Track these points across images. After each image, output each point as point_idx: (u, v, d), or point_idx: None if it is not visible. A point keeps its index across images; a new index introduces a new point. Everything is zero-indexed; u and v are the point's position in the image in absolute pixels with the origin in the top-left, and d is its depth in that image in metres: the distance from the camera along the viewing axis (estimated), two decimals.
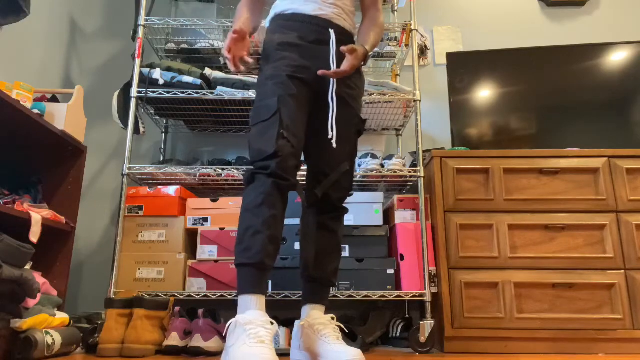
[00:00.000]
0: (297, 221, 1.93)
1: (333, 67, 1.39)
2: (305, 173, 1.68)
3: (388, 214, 2.09)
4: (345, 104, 1.44)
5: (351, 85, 1.47)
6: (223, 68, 2.32)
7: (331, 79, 1.40)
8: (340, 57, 1.44)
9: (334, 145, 1.36)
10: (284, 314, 1.95)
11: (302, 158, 1.46)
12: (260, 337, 1.09)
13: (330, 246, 1.42)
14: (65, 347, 1.47)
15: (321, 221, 1.42)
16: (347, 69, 1.33)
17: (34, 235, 1.52)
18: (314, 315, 1.34)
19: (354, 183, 2.19)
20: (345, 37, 1.48)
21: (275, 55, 1.41)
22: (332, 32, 1.43)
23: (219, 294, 1.78)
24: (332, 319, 1.35)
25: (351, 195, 1.50)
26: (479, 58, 2.22)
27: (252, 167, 1.30)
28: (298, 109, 1.34)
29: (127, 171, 1.89)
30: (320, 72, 1.32)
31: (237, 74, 2.07)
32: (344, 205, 1.46)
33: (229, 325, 1.15)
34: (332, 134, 1.37)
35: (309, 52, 1.41)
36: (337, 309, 2.16)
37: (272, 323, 1.16)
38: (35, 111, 1.67)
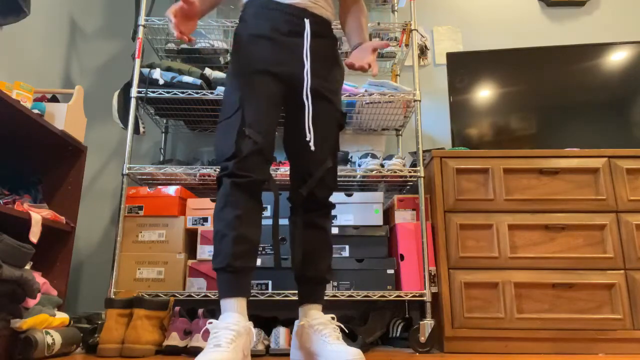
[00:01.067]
0: None
1: (306, 62, 1.33)
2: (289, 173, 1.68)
3: (388, 214, 2.09)
4: (323, 98, 1.37)
5: (329, 78, 1.40)
6: (223, 68, 2.32)
7: (305, 76, 1.33)
8: (316, 51, 1.36)
9: (312, 147, 1.32)
10: (284, 314, 1.96)
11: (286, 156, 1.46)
12: (218, 341, 1.10)
13: (320, 243, 1.39)
14: (65, 347, 1.47)
15: (308, 220, 1.38)
16: (374, 66, 1.31)
17: (34, 235, 1.52)
18: (313, 315, 1.33)
19: (354, 183, 2.20)
20: (322, 26, 1.41)
21: (245, 47, 1.35)
22: (307, 22, 1.35)
23: None
24: (332, 318, 1.33)
25: (335, 188, 1.44)
26: (479, 58, 2.22)
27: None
28: (266, 105, 1.30)
29: (127, 171, 1.89)
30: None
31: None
32: (329, 201, 1.43)
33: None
34: (310, 136, 1.31)
35: (283, 45, 1.35)
36: (337, 309, 2.16)
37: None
38: (35, 111, 1.67)
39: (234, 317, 1.14)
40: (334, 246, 1.92)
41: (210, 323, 1.14)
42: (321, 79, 1.37)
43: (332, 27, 1.47)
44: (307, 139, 1.32)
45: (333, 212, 1.98)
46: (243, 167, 1.23)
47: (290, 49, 1.35)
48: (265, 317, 1.90)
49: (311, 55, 1.35)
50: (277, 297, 1.76)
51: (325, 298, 1.75)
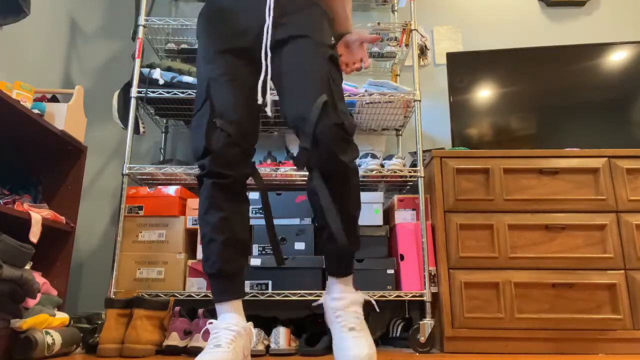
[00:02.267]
0: (296, 221, 1.93)
1: (268, 18, 1.19)
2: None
3: (388, 214, 2.09)
4: (295, 37, 1.19)
5: (293, 20, 1.21)
6: None
7: (265, 32, 1.19)
8: (281, 10, 1.21)
9: (268, 112, 1.17)
10: (284, 314, 1.96)
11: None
12: (218, 341, 1.09)
13: (339, 209, 1.14)
14: (65, 347, 1.47)
15: (324, 184, 1.13)
16: (366, 60, 1.26)
17: (34, 235, 1.52)
18: (333, 291, 1.19)
19: None
20: None
21: (205, 28, 1.26)
22: None
23: None
24: (358, 298, 1.18)
25: (350, 134, 1.12)
26: (479, 58, 2.22)
27: None
28: (237, 88, 1.18)
29: (127, 171, 1.89)
30: (356, 67, 1.25)
31: None
32: (346, 156, 1.11)
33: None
34: (263, 99, 1.17)
35: (241, 10, 1.23)
36: None
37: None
38: (35, 111, 1.67)
39: (233, 318, 1.13)
40: None
41: (211, 323, 1.14)
42: (291, 25, 1.21)
43: None
44: (259, 102, 1.18)
45: None
46: (219, 163, 1.14)
47: (248, 10, 1.23)
48: (265, 317, 1.90)
49: (277, 9, 1.21)
50: (277, 297, 1.76)
51: None
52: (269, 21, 1.19)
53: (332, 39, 1.27)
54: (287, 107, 1.15)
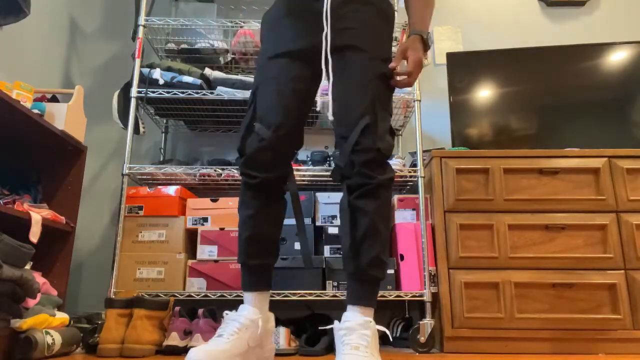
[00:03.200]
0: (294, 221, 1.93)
1: (326, 26, 1.20)
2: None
3: None
4: (353, 48, 1.19)
5: (350, 24, 1.20)
6: (223, 68, 2.32)
7: (324, 39, 1.18)
8: (341, 6, 1.21)
9: (330, 117, 1.17)
10: (284, 314, 1.95)
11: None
12: (222, 331, 1.13)
13: (361, 231, 1.13)
14: (65, 347, 1.47)
15: (352, 202, 1.15)
16: (411, 81, 1.19)
17: (34, 235, 1.52)
18: (345, 317, 1.13)
19: None
20: None
21: (265, 34, 1.28)
22: None
23: (219, 294, 1.78)
24: (369, 322, 1.11)
25: (386, 156, 1.15)
26: (479, 58, 2.21)
27: None
28: (284, 92, 1.19)
29: (127, 171, 1.89)
30: (392, 83, 1.18)
31: (237, 74, 2.07)
32: (377, 176, 1.13)
33: None
34: (329, 107, 1.18)
35: (302, 17, 1.23)
36: (338, 309, 2.16)
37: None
38: (35, 111, 1.67)
39: (246, 310, 1.17)
40: (333, 246, 1.92)
41: (226, 315, 1.18)
42: (348, 32, 1.20)
43: None
44: (322, 110, 1.23)
45: (332, 213, 1.98)
46: (250, 166, 1.18)
47: (310, 17, 1.22)
48: None
49: (334, 14, 1.21)
50: (277, 297, 1.76)
51: (325, 298, 1.76)
52: (327, 29, 1.20)
53: (390, 44, 1.25)
54: (336, 121, 1.19)
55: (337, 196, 1.96)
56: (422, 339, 1.71)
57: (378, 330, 1.13)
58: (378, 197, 1.15)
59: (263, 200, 1.21)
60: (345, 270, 1.18)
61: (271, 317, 1.23)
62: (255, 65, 1.30)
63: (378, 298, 1.77)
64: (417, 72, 1.20)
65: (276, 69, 1.21)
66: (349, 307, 1.14)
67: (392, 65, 1.19)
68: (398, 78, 1.22)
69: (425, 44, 1.22)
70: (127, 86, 2.15)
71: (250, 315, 1.16)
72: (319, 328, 1.49)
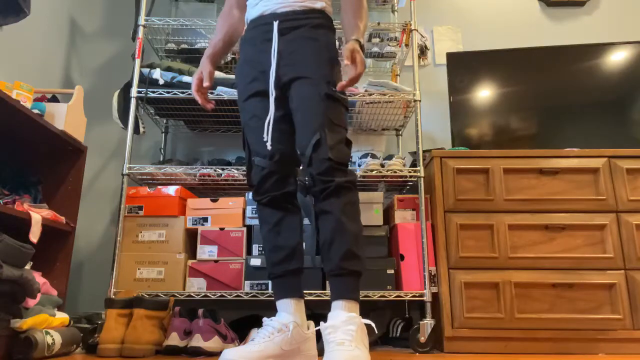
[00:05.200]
0: None
1: (273, 61, 1.35)
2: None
3: (388, 214, 2.09)
4: (301, 78, 1.32)
5: (296, 60, 1.34)
6: (223, 68, 2.32)
7: (271, 75, 1.34)
8: (290, 42, 1.35)
9: (268, 147, 1.33)
10: None
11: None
12: (253, 335, 1.25)
13: (329, 231, 1.23)
14: (65, 347, 1.47)
15: (317, 208, 1.28)
16: (351, 81, 1.27)
17: (34, 235, 1.52)
18: (330, 317, 1.19)
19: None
20: (294, 19, 1.37)
21: (237, 80, 1.46)
22: (275, 24, 1.37)
23: (219, 294, 1.78)
24: (353, 317, 1.15)
25: (341, 164, 1.26)
26: (479, 58, 2.22)
27: None
28: (262, 125, 1.36)
29: (127, 171, 1.89)
30: (339, 87, 1.27)
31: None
32: (335, 179, 1.24)
33: None
34: (267, 137, 1.34)
35: (259, 55, 1.39)
36: None
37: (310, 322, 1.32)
38: (35, 111, 1.67)
39: (280, 316, 1.27)
40: None
41: (263, 320, 1.29)
42: (294, 66, 1.34)
43: (322, 8, 1.42)
44: (264, 139, 1.35)
45: None
46: (260, 193, 1.35)
47: (264, 56, 1.38)
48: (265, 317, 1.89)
49: (284, 49, 1.35)
50: None
51: (325, 298, 1.76)
52: (273, 65, 1.35)
53: (332, 68, 1.36)
54: (297, 143, 1.34)
55: None
56: (422, 339, 1.71)
57: (370, 326, 1.20)
58: (339, 196, 1.25)
59: (278, 213, 1.34)
60: (326, 272, 1.25)
61: (310, 324, 1.31)
62: (239, 100, 1.47)
63: (378, 298, 1.78)
64: (362, 70, 1.28)
65: (252, 108, 1.39)
66: (333, 305, 1.21)
67: (345, 62, 1.28)
68: (343, 83, 1.29)
69: (362, 48, 1.33)
70: (127, 86, 2.15)
71: (283, 320, 1.25)
72: (316, 328, 1.50)
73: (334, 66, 1.37)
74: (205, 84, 1.45)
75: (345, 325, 1.14)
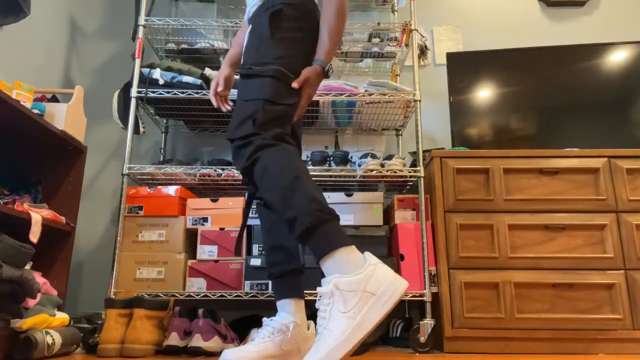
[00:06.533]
0: None
1: (243, 60, 1.33)
2: None
3: (388, 214, 2.09)
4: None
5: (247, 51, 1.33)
6: None
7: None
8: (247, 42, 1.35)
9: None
10: None
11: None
12: (253, 335, 1.25)
13: (270, 218, 1.37)
14: (65, 347, 1.47)
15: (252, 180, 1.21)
16: (304, 104, 1.25)
17: (34, 235, 1.52)
18: (276, 318, 1.29)
19: (354, 183, 2.19)
20: (253, 17, 1.36)
21: None
22: (249, 29, 1.37)
23: (219, 294, 1.78)
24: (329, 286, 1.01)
25: (243, 140, 1.17)
26: (479, 58, 2.22)
27: None
28: None
29: (127, 171, 1.89)
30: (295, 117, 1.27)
31: (237, 74, 2.07)
32: (238, 164, 1.19)
33: None
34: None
35: None
36: None
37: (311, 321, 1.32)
38: (35, 111, 1.67)
39: (280, 316, 1.28)
40: None
41: (263, 321, 1.29)
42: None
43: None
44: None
45: None
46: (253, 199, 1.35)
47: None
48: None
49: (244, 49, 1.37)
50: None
51: None
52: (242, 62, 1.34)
53: (263, 43, 1.28)
54: None
55: (336, 196, 1.96)
56: (422, 339, 1.71)
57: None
58: (253, 177, 1.15)
59: (273, 216, 1.36)
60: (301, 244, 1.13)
61: (310, 324, 1.32)
62: None
63: None
64: (307, 104, 1.27)
65: None
66: (321, 264, 1.04)
67: (293, 84, 1.23)
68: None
69: (325, 74, 1.26)
70: (127, 86, 2.15)
71: (283, 320, 1.26)
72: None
73: (262, 41, 1.28)
74: (219, 88, 1.46)
75: (321, 302, 1.00)
